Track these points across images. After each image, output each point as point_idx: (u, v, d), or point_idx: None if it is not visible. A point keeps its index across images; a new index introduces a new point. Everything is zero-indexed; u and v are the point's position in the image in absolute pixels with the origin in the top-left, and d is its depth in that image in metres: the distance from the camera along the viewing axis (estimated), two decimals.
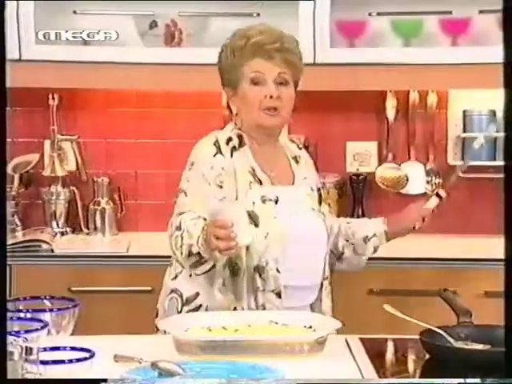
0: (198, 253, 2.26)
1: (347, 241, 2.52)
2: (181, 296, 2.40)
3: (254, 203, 2.37)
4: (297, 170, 2.49)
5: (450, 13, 3.52)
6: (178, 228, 2.31)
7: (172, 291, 2.42)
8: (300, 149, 2.58)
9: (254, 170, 2.41)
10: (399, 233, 2.53)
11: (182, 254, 2.30)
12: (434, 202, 2.49)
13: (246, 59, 2.42)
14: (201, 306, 2.36)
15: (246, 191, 2.38)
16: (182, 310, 2.39)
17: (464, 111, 3.73)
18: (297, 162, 2.52)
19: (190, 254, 2.27)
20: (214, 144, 2.41)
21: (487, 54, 3.24)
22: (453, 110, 3.75)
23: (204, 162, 2.39)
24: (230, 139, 2.43)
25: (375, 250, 2.52)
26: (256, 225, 2.34)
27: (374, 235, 2.50)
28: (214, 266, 2.32)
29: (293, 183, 2.47)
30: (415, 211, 2.51)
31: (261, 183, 2.41)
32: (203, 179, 2.37)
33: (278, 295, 2.34)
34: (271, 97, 2.39)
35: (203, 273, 2.34)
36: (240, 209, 2.33)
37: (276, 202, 2.40)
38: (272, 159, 2.46)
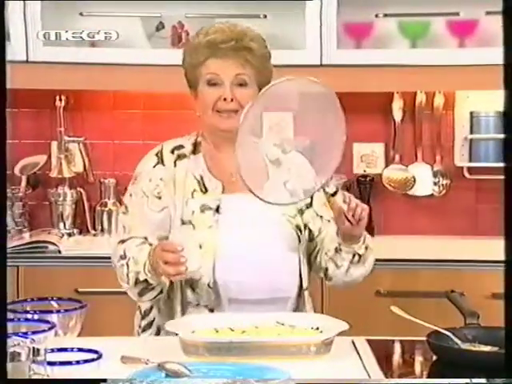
0: (146, 280, 2.21)
1: (326, 254, 2.33)
2: (140, 310, 2.38)
3: (193, 212, 2.29)
4: (275, 175, 2.34)
5: (458, 14, 3.52)
6: (123, 256, 2.26)
7: (138, 307, 2.39)
8: (286, 153, 2.41)
9: (202, 178, 2.33)
10: (345, 234, 2.25)
11: (128, 282, 2.24)
12: (339, 196, 2.21)
13: (202, 59, 2.30)
14: (154, 319, 2.34)
15: (186, 200, 2.30)
16: (141, 324, 2.36)
17: (471, 112, 3.72)
18: (277, 166, 2.38)
19: (137, 281, 2.22)
20: (156, 154, 2.36)
21: (494, 55, 3.22)
22: (460, 111, 3.75)
23: (143, 175, 2.35)
24: (178, 147, 2.37)
25: (355, 257, 2.28)
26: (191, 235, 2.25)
27: (340, 244, 2.28)
28: (161, 292, 2.25)
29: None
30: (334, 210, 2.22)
31: (206, 191, 2.32)
32: (142, 193, 2.32)
33: (212, 311, 2.26)
34: (225, 99, 2.28)
35: (150, 300, 2.28)
36: (190, 232, 2.27)
37: (217, 210, 2.29)
38: (234, 165, 2.18)
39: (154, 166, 2.35)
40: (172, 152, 2.37)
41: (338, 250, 2.30)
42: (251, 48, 2.30)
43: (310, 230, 2.38)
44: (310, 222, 2.38)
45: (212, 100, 2.30)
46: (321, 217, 2.39)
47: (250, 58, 2.29)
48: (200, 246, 2.25)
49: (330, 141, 2.15)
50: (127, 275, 2.24)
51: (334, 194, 2.19)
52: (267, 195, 2.16)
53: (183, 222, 2.29)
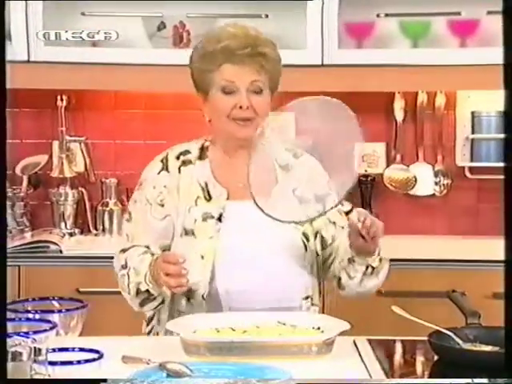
0: (147, 290, 2.20)
1: (340, 264, 2.30)
2: (144, 316, 2.36)
3: (195, 221, 2.26)
4: (284, 181, 2.31)
5: (459, 14, 3.52)
6: (124, 266, 2.26)
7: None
8: (297, 157, 2.37)
9: (206, 185, 2.29)
10: (359, 249, 2.22)
11: (129, 293, 2.24)
12: (354, 214, 2.17)
13: (216, 65, 2.25)
14: (153, 327, 2.33)
15: (189, 208, 2.27)
16: (145, 330, 2.36)
17: (472, 112, 3.72)
18: (287, 171, 2.34)
19: (138, 291, 2.22)
20: (162, 161, 2.34)
21: (496, 55, 3.22)
22: (461, 110, 3.75)
23: (148, 182, 2.33)
24: (184, 153, 2.34)
25: (368, 269, 2.26)
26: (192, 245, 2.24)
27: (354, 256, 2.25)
28: (162, 303, 2.24)
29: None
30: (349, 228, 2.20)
31: (210, 199, 2.28)
32: (146, 201, 2.30)
33: None
34: (241, 107, 2.24)
35: (151, 309, 2.27)
36: (191, 242, 2.25)
37: (219, 219, 2.26)
38: (243, 170, 2.14)
39: (159, 173, 2.33)
40: (177, 158, 2.34)
41: (351, 261, 2.27)
42: (265, 53, 2.27)
43: (323, 237, 2.35)
44: (323, 229, 2.34)
45: (227, 107, 2.26)
46: (334, 223, 2.34)
47: (265, 63, 2.26)
48: (202, 257, 2.24)
49: (342, 145, 2.15)
50: (128, 285, 2.24)
51: (348, 212, 2.17)
52: (275, 202, 2.15)
53: (185, 231, 2.28)
